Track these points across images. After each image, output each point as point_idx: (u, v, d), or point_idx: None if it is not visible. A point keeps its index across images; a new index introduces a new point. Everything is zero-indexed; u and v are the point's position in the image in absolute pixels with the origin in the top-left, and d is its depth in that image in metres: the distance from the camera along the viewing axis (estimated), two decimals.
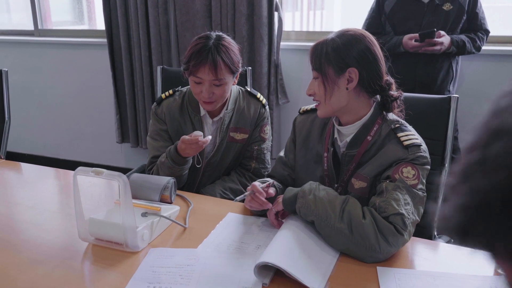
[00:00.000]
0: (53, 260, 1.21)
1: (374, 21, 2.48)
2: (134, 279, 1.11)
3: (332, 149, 1.38)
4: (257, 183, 1.38)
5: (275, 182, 1.50)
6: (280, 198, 1.32)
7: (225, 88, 1.63)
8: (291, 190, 1.30)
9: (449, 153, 1.60)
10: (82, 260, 1.23)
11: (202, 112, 1.73)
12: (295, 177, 1.52)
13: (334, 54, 1.28)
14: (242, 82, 2.10)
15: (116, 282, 1.11)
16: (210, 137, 1.56)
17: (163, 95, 1.79)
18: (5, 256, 1.24)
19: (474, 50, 2.33)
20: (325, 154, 1.39)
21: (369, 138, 1.31)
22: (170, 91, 1.79)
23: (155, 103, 1.79)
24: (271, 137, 1.87)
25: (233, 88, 1.77)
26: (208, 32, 1.65)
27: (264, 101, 1.80)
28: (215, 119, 1.75)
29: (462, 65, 2.51)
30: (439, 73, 2.37)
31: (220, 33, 1.65)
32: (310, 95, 1.36)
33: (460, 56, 2.45)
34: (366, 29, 2.51)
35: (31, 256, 1.24)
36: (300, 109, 1.54)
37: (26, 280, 1.13)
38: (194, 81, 1.62)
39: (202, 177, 1.79)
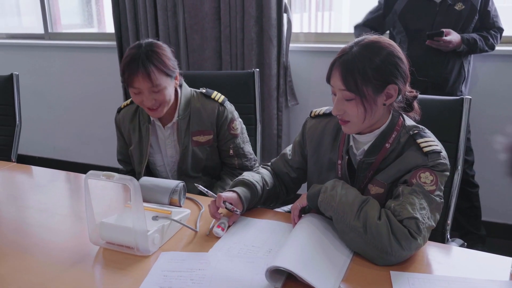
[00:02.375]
0: (64, 264, 1.21)
1: (377, 19, 2.47)
2: (145, 283, 1.11)
3: (347, 157, 1.36)
4: (224, 195, 1.37)
5: (259, 181, 1.47)
6: (305, 194, 1.34)
7: (165, 92, 1.63)
8: (315, 186, 1.32)
9: (462, 155, 1.58)
10: (93, 263, 1.23)
11: (152, 118, 1.75)
12: (305, 180, 1.53)
13: (374, 73, 1.21)
14: (249, 84, 2.10)
15: (127, 286, 1.10)
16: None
17: (123, 104, 1.85)
18: (16, 259, 1.25)
19: (487, 48, 2.30)
20: (339, 162, 1.37)
21: (387, 145, 1.29)
22: (129, 100, 1.83)
23: (116, 111, 1.87)
24: (244, 128, 1.87)
25: (186, 92, 1.78)
26: (138, 42, 1.66)
27: (221, 99, 1.79)
28: (168, 125, 1.76)
29: (475, 65, 2.49)
30: (451, 74, 2.35)
31: (151, 40, 1.66)
32: (339, 115, 1.29)
33: (472, 57, 2.43)
34: (364, 23, 2.50)
35: (42, 259, 1.25)
36: (311, 112, 1.51)
37: (37, 283, 1.13)
38: (133, 92, 1.63)
39: (189, 187, 1.80)
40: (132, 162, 1.85)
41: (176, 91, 1.74)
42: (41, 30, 3.81)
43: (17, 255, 1.27)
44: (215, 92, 1.80)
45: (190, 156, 1.77)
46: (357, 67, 1.21)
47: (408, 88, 1.30)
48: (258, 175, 1.50)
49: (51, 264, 1.22)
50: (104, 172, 1.21)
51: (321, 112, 1.48)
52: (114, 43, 3.34)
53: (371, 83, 1.21)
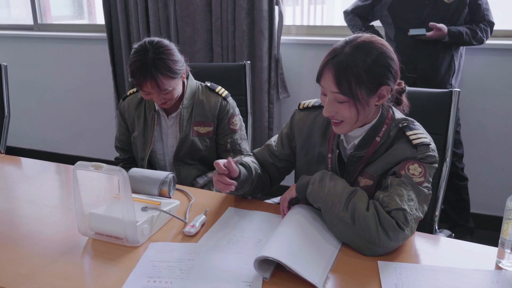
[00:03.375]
0: (53, 254, 1.21)
1: (365, 7, 2.47)
2: (134, 274, 1.11)
3: (338, 151, 1.36)
4: (220, 161, 1.33)
5: (251, 163, 1.45)
6: (294, 185, 1.34)
7: (175, 92, 1.70)
8: (304, 177, 1.32)
9: (450, 148, 1.59)
10: (82, 254, 1.23)
11: (157, 107, 1.79)
12: (290, 171, 1.53)
13: (368, 76, 1.19)
14: (241, 76, 2.10)
15: (116, 277, 1.10)
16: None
17: (129, 91, 1.89)
18: (4, 250, 1.24)
19: (474, 42, 2.30)
20: (330, 155, 1.37)
21: (378, 139, 1.29)
22: (135, 89, 1.86)
23: (122, 98, 1.90)
24: (243, 125, 1.91)
25: (192, 83, 1.82)
26: (143, 42, 1.66)
27: (224, 94, 1.83)
28: (172, 115, 1.80)
29: (465, 59, 2.50)
30: (441, 67, 2.36)
31: (155, 41, 1.66)
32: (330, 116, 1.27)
33: (464, 50, 2.43)
34: (352, 10, 2.50)
35: (30, 250, 1.24)
36: (299, 104, 1.50)
37: (25, 274, 1.12)
38: (143, 93, 1.69)
39: (183, 173, 1.83)
40: (134, 148, 1.87)
41: (182, 82, 1.78)
42: (30, 21, 3.77)
43: (4, 246, 1.26)
44: (219, 87, 1.85)
45: (189, 145, 1.80)
46: (351, 70, 1.18)
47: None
48: (249, 159, 1.49)
49: (39, 255, 1.21)
50: (93, 162, 1.21)
51: (310, 105, 1.47)
52: (104, 34, 3.31)
53: (365, 86, 1.19)
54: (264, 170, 1.52)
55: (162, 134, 1.83)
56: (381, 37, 2.46)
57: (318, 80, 1.25)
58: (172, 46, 1.69)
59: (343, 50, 1.20)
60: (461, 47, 2.40)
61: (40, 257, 1.20)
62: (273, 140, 1.55)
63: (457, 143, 2.47)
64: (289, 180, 1.55)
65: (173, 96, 1.69)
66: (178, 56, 1.69)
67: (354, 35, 1.25)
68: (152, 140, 1.80)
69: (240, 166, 1.38)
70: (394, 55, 1.24)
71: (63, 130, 3.88)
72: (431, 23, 2.24)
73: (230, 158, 1.32)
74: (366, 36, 1.24)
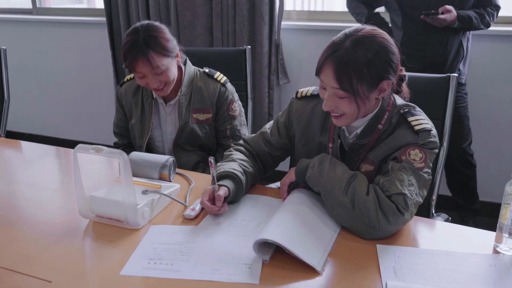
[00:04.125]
0: (53, 236, 1.22)
1: None
2: (135, 255, 1.12)
3: (339, 140, 1.35)
4: (207, 195, 1.28)
5: (239, 168, 1.38)
6: (293, 169, 1.33)
7: (169, 72, 1.66)
8: (303, 161, 1.31)
9: (448, 132, 1.59)
10: (83, 236, 1.23)
11: (155, 95, 1.77)
12: (284, 159, 1.52)
13: (369, 72, 1.17)
14: (241, 61, 2.09)
15: (117, 258, 1.11)
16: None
17: (127, 78, 1.87)
18: (5, 232, 1.25)
19: (482, 26, 2.26)
20: (330, 145, 1.36)
21: (380, 126, 1.28)
22: (133, 75, 1.82)
23: (119, 84, 1.89)
24: (243, 111, 1.90)
25: (190, 70, 1.80)
26: (135, 25, 1.65)
27: (223, 80, 1.81)
28: (171, 102, 1.79)
29: (472, 45, 2.45)
30: (450, 53, 2.32)
31: (147, 22, 1.66)
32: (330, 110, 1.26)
33: (470, 35, 2.40)
34: None
35: (31, 232, 1.25)
36: (297, 92, 1.47)
37: (26, 255, 1.13)
38: (137, 76, 1.66)
39: (183, 160, 1.82)
40: (132, 136, 1.86)
41: (180, 68, 1.76)
42: (29, 5, 3.73)
43: (5, 228, 1.27)
44: (218, 73, 1.83)
45: (188, 132, 1.79)
46: (352, 65, 1.16)
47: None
48: (236, 164, 1.40)
49: (40, 237, 1.22)
50: (93, 145, 1.21)
51: (308, 93, 1.44)
52: (103, 19, 3.29)
53: (366, 82, 1.18)
54: (258, 159, 1.50)
55: (160, 122, 1.82)
56: (387, 24, 2.45)
57: (318, 74, 1.23)
58: (164, 26, 1.68)
59: (343, 45, 1.18)
60: (467, 32, 2.36)
61: (41, 239, 1.21)
62: (268, 127, 1.52)
63: (466, 129, 2.46)
64: (284, 165, 1.55)
65: (168, 77, 1.66)
66: (170, 37, 1.67)
67: (355, 27, 1.22)
68: (150, 128, 1.79)
69: (227, 185, 1.31)
70: (395, 49, 1.22)
71: (62, 115, 3.88)
72: (441, 8, 2.19)
73: (218, 193, 1.26)
74: (367, 29, 1.21)
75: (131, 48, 1.59)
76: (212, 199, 1.28)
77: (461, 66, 2.38)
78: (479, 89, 2.59)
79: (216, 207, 1.26)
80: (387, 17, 2.49)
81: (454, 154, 2.47)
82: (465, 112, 2.44)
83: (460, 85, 2.37)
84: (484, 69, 2.58)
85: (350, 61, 1.16)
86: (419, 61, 2.32)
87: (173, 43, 1.67)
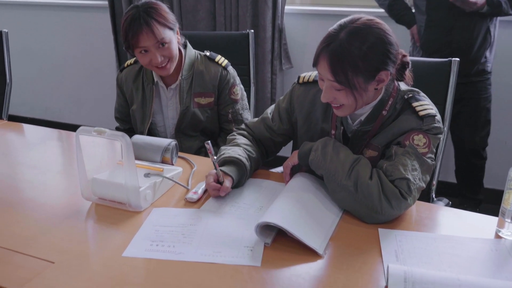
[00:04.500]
0: (56, 218, 1.22)
1: None
2: (137, 237, 1.12)
3: (342, 128, 1.34)
4: (212, 177, 1.29)
5: (243, 153, 1.38)
6: (296, 152, 1.33)
7: (171, 46, 1.64)
8: (306, 144, 1.31)
9: (449, 118, 1.58)
10: (86, 218, 1.24)
11: (156, 78, 1.76)
12: (286, 143, 1.52)
13: (364, 64, 1.15)
14: (244, 45, 2.07)
15: (119, 240, 1.12)
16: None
17: (127, 63, 1.85)
18: (8, 214, 1.25)
19: (511, 12, 2.19)
20: (333, 132, 1.36)
21: (384, 112, 1.27)
22: (133, 60, 1.83)
23: (119, 70, 1.87)
24: (245, 95, 1.88)
25: (190, 53, 1.78)
26: (133, 4, 1.64)
27: (224, 63, 1.79)
28: (172, 86, 1.77)
29: (499, 32, 2.37)
30: (477, 39, 2.25)
31: (145, 0, 1.64)
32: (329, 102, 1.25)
33: (498, 21, 2.32)
34: None
35: (34, 214, 1.25)
36: (299, 77, 1.46)
37: (27, 236, 1.14)
38: (139, 52, 1.63)
39: (185, 145, 1.81)
40: (133, 121, 1.85)
41: (180, 51, 1.74)
42: None
43: (8, 210, 1.27)
44: (219, 56, 1.81)
45: (190, 116, 1.77)
46: (347, 58, 1.14)
47: (400, 53, 1.24)
48: (241, 150, 1.40)
49: (43, 218, 1.23)
50: (96, 128, 1.21)
51: (310, 79, 1.42)
52: (105, 2, 3.27)
53: (362, 74, 1.16)
54: (260, 144, 1.50)
55: (161, 106, 1.81)
56: (410, 10, 2.40)
57: (314, 66, 1.22)
58: (161, 3, 1.66)
59: (338, 37, 1.15)
60: (494, 18, 2.29)
61: (44, 221, 1.21)
62: (269, 112, 1.51)
63: (483, 121, 2.41)
64: (286, 151, 1.54)
65: (171, 52, 1.64)
66: (170, 11, 1.66)
67: (351, 17, 1.19)
68: (151, 114, 1.78)
69: (232, 174, 1.31)
70: (392, 38, 1.19)
71: (64, 99, 3.87)
72: None
73: (224, 184, 1.27)
74: (362, 19, 1.17)
75: (133, 21, 1.57)
76: (217, 182, 1.28)
77: (487, 53, 2.30)
78: (504, 78, 2.51)
79: (222, 191, 1.27)
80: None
81: (466, 143, 2.45)
82: (485, 104, 2.38)
83: (485, 73, 2.32)
84: (510, 57, 2.49)
85: (345, 54, 1.14)
86: (443, 47, 2.26)
87: (173, 16, 1.66)
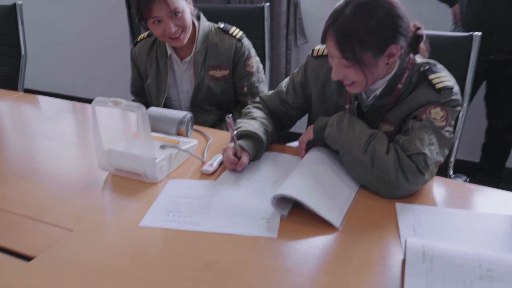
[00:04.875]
0: (73, 188, 1.23)
1: None
2: (154, 208, 1.13)
3: (356, 102, 1.32)
4: (231, 150, 1.28)
5: (260, 127, 1.37)
6: (311, 127, 1.31)
7: (185, 16, 1.61)
8: (321, 119, 1.29)
9: (469, 94, 1.55)
10: (102, 189, 1.24)
11: (169, 51, 1.74)
12: (302, 117, 1.49)
13: (372, 39, 1.11)
14: (259, 19, 2.04)
15: (136, 210, 1.12)
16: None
17: (140, 37, 1.83)
18: (26, 183, 1.26)
19: None
20: (347, 106, 1.34)
21: (399, 86, 1.24)
22: (146, 34, 1.81)
23: (133, 44, 1.85)
24: (261, 67, 1.85)
25: (204, 25, 1.75)
26: None
27: (239, 35, 1.75)
28: (186, 60, 1.75)
29: None
30: None
31: None
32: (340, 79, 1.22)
33: None
34: None
35: (51, 184, 1.26)
36: (313, 50, 1.43)
37: (44, 206, 1.15)
38: (152, 23, 1.60)
39: (201, 119, 1.80)
40: (148, 96, 1.85)
41: (193, 24, 1.72)
42: None
43: (25, 179, 1.29)
44: (233, 28, 1.77)
45: (205, 90, 1.76)
46: (353, 34, 1.11)
47: (412, 26, 1.20)
48: (258, 123, 1.38)
49: (59, 188, 1.24)
50: (112, 98, 1.20)
51: (324, 52, 1.39)
52: None
53: (370, 49, 1.12)
54: (275, 117, 1.49)
55: (176, 80, 1.80)
56: None
57: (323, 43, 1.20)
58: None
59: (343, 12, 1.12)
60: None
61: (61, 190, 1.22)
62: (283, 86, 1.49)
63: None
64: (301, 127, 1.53)
65: (184, 22, 1.60)
66: None
67: None
68: (166, 88, 1.77)
69: (248, 150, 1.30)
70: (401, 11, 1.14)
71: (78, 74, 3.88)
72: None
73: (242, 160, 1.27)
74: None
75: None
76: (235, 155, 1.28)
77: None
78: None
79: (239, 166, 1.27)
80: None
81: (502, 118, 2.42)
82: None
83: None
84: None
85: (351, 30, 1.11)
86: (484, 23, 2.15)
87: None
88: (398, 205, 1.13)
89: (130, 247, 1.00)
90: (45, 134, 1.60)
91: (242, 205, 1.13)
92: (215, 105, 1.82)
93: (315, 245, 1.00)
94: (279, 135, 1.50)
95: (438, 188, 1.23)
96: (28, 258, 0.95)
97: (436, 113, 1.20)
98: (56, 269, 0.92)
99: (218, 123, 1.84)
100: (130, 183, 1.25)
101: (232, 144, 1.29)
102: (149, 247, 1.01)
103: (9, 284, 0.88)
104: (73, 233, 1.03)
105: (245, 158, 1.28)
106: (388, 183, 1.15)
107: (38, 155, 1.45)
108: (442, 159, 1.20)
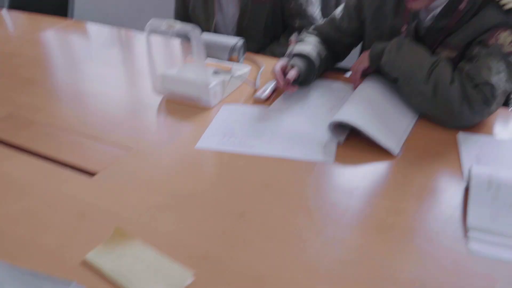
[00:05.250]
0: (126, 111, 1.25)
1: None
2: (209, 131, 1.13)
3: (415, 21, 1.23)
4: (280, 63, 1.28)
5: (313, 49, 1.33)
6: (366, 53, 1.25)
7: None
8: (378, 44, 1.22)
9: None
10: (157, 112, 1.25)
11: None
12: (357, 45, 1.42)
13: None
14: None
15: (190, 133, 1.13)
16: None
17: None
18: (82, 105, 1.29)
19: None
20: (405, 27, 1.25)
21: (461, 6, 1.15)
22: None
23: None
24: None
25: None
26: None
27: None
28: None
29: None
30: None
31: None
32: None
33: None
34: None
35: (107, 106, 1.28)
36: None
37: (105, 127, 1.17)
38: None
39: (249, 44, 1.72)
40: (195, 22, 1.80)
41: None
42: None
43: (80, 101, 1.31)
44: None
45: (250, 12, 1.70)
46: None
47: None
48: (311, 47, 1.34)
49: (112, 111, 1.26)
50: (166, 20, 1.18)
51: None
52: None
53: None
54: (329, 47, 1.42)
55: (221, 5, 1.75)
56: None
57: None
58: None
59: None
60: None
61: (112, 112, 1.24)
62: (337, 13, 1.42)
63: None
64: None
65: None
66: None
67: None
68: (215, 10, 1.72)
69: (299, 66, 1.27)
70: None
71: (124, 5, 3.85)
72: None
73: (290, 74, 1.24)
74: None
75: None
76: (284, 70, 1.26)
77: None
78: None
79: (285, 83, 1.24)
80: None
81: None
82: None
83: None
84: None
85: None
86: None
87: None
88: (461, 135, 1.09)
89: (187, 167, 1.01)
90: (97, 60, 1.61)
91: (298, 130, 1.12)
92: (262, 31, 1.76)
93: (373, 170, 0.98)
94: (334, 65, 1.45)
95: (504, 118, 1.17)
96: (91, 174, 0.98)
97: (505, 37, 1.10)
98: (117, 184, 0.95)
99: (262, 52, 1.79)
100: (184, 107, 1.25)
101: (284, 59, 1.26)
102: (205, 169, 1.02)
103: (75, 196, 0.91)
104: (131, 152, 1.06)
105: (293, 71, 1.24)
106: (451, 114, 1.09)
107: (92, 79, 1.46)
108: (510, 88, 1.12)
